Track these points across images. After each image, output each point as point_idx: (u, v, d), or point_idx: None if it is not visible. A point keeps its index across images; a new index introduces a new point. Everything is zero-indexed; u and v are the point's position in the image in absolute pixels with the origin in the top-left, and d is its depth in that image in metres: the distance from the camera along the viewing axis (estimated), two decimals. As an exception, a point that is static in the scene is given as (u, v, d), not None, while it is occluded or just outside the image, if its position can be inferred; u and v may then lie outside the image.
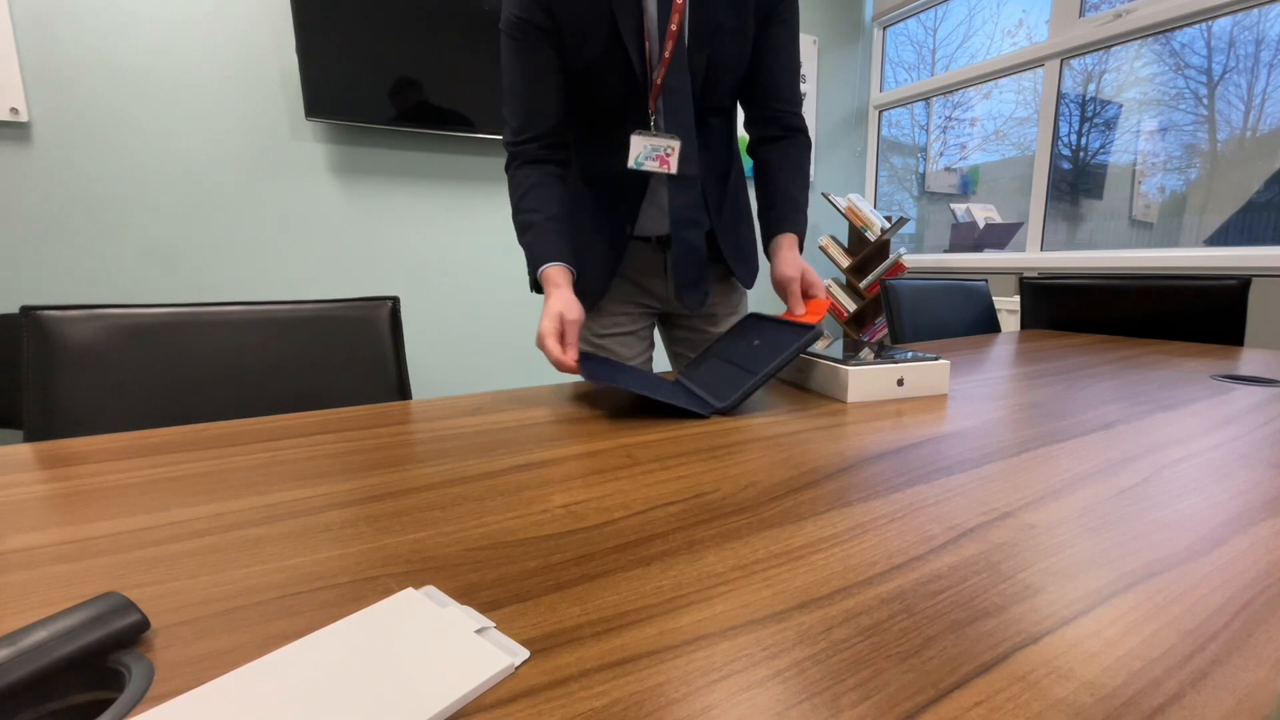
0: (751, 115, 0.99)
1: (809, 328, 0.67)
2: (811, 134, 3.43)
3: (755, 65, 0.93)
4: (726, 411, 0.65)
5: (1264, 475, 0.46)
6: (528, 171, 0.90)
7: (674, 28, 0.83)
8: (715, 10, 0.86)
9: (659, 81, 0.86)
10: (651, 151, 0.89)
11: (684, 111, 0.88)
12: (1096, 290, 1.48)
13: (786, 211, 0.94)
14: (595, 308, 1.00)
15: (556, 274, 0.84)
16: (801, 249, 0.92)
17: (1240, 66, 2.02)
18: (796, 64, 0.96)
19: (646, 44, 0.84)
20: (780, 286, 0.88)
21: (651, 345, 1.09)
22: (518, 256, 2.41)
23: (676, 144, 0.89)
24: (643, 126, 0.89)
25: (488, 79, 2.14)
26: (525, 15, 0.82)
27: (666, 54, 0.84)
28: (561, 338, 0.77)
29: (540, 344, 0.77)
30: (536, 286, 0.92)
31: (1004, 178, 2.83)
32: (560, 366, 0.75)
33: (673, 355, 1.15)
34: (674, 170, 0.90)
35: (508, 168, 0.92)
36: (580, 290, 0.96)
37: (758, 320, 0.84)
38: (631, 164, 0.89)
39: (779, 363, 0.66)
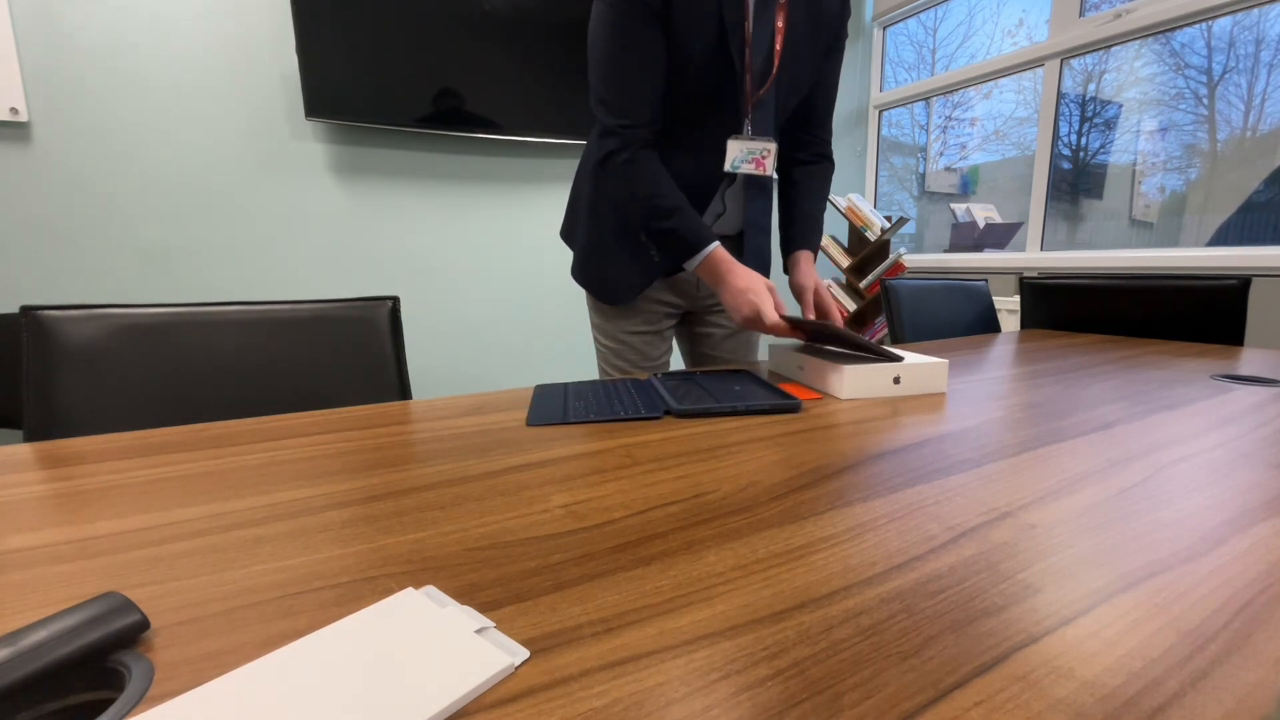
0: (791, 138, 1.04)
1: (791, 401, 0.67)
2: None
3: (806, 92, 0.99)
4: (680, 415, 0.65)
5: (1264, 475, 0.46)
6: (650, 155, 0.88)
7: (779, 47, 0.88)
8: (802, 37, 0.90)
9: (761, 92, 0.89)
10: (748, 154, 0.93)
11: (770, 123, 0.94)
12: (1096, 290, 1.48)
13: (808, 230, 1.03)
14: (629, 306, 1.02)
15: (725, 253, 0.88)
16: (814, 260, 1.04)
17: (1240, 66, 2.02)
18: (835, 97, 1.04)
19: (747, 53, 0.86)
20: (796, 293, 0.97)
21: (671, 344, 1.12)
22: (517, 256, 2.41)
23: (773, 146, 0.93)
24: (734, 132, 0.92)
25: (490, 79, 2.14)
26: None
27: (774, 69, 0.89)
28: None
29: (760, 314, 0.82)
30: (677, 264, 0.92)
31: (1004, 178, 2.83)
32: (778, 331, 0.82)
33: (692, 356, 1.15)
34: (769, 172, 0.95)
35: (616, 154, 0.88)
36: (621, 286, 1.00)
37: (752, 376, 0.84)
38: (728, 167, 0.92)
39: (746, 408, 0.66)
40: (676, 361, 1.20)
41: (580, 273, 1.05)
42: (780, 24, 0.87)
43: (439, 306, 2.30)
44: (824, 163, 1.06)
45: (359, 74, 1.95)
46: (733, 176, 0.95)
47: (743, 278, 0.86)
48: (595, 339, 1.09)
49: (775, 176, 1.00)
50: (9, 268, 1.71)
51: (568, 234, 1.08)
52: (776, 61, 0.88)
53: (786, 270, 1.03)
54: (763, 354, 1.07)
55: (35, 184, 1.71)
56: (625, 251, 0.98)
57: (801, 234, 1.02)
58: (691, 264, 0.89)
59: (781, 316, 0.83)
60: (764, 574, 0.32)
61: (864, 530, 0.37)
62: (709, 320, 1.10)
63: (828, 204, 2.97)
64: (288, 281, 2.06)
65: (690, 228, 0.88)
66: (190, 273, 1.92)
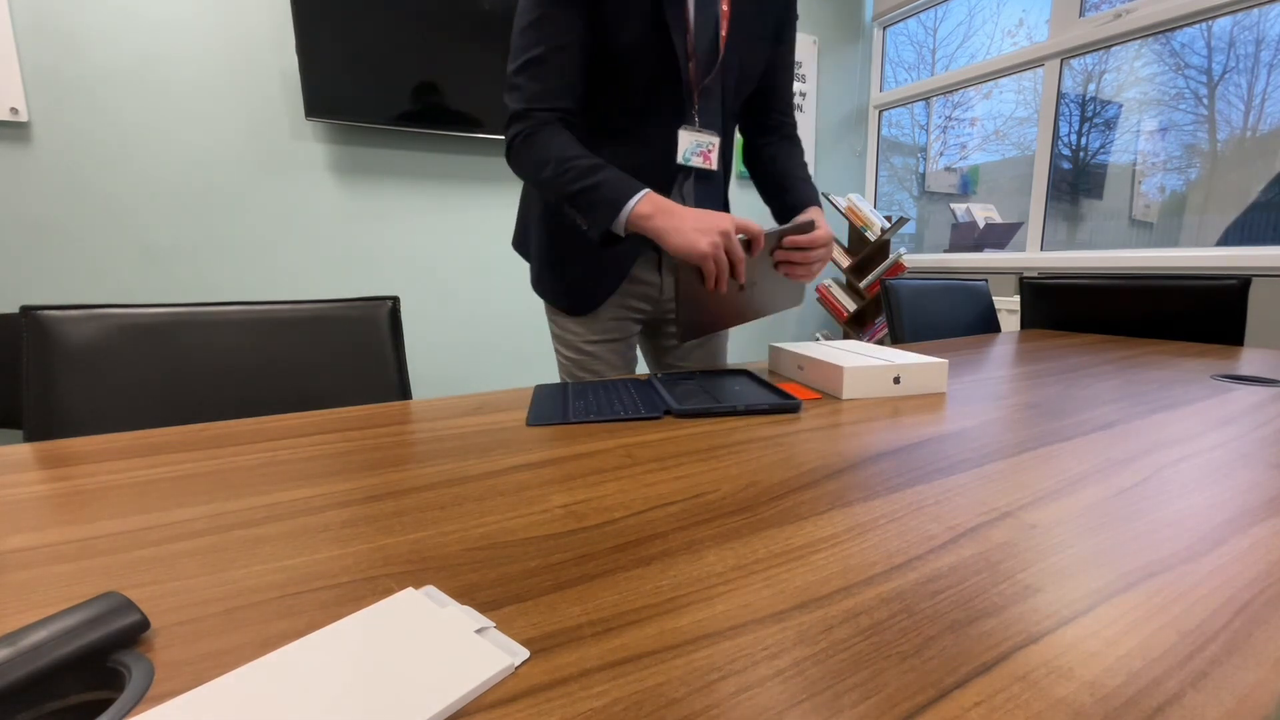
0: (755, 122, 1.03)
1: (791, 401, 0.67)
2: (811, 134, 3.37)
3: (763, 77, 0.97)
4: (680, 415, 0.65)
5: (1264, 475, 0.46)
6: (559, 129, 0.82)
7: (724, 33, 0.86)
8: (749, 21, 0.88)
9: (707, 80, 0.87)
10: (697, 147, 0.90)
11: (716, 112, 0.91)
12: (1096, 290, 1.48)
13: (807, 191, 0.98)
14: (592, 313, 0.98)
15: (658, 196, 0.79)
16: None
17: (1240, 66, 2.02)
18: (792, 79, 1.03)
19: (689, 39, 0.84)
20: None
21: (636, 354, 1.08)
22: (517, 256, 2.40)
23: (716, 140, 0.92)
24: (683, 123, 0.89)
25: (489, 79, 2.14)
26: None
27: (720, 55, 0.87)
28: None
29: (728, 229, 0.73)
30: (608, 224, 0.79)
31: (1004, 178, 2.83)
32: (747, 231, 0.75)
33: (659, 366, 1.13)
34: (714, 166, 0.92)
35: (521, 132, 0.82)
36: (583, 293, 0.96)
37: (752, 376, 0.83)
38: (680, 159, 0.90)
39: (746, 408, 0.66)
40: (641, 371, 1.19)
41: (539, 284, 1.00)
42: (725, 7, 0.84)
43: (439, 306, 2.30)
44: (794, 141, 1.04)
45: (359, 74, 1.95)
46: (687, 171, 0.92)
47: (697, 212, 0.76)
48: (556, 351, 1.04)
49: (719, 170, 0.96)
50: (9, 268, 1.71)
51: (521, 245, 1.04)
52: (723, 48, 0.86)
53: None
54: (762, 355, 1.06)
55: (35, 184, 1.71)
56: (584, 256, 0.93)
57: (802, 194, 0.97)
58: (624, 216, 0.78)
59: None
60: (764, 574, 0.32)
61: (864, 530, 0.37)
62: (673, 330, 1.06)
63: (830, 203, 2.96)
64: (288, 281, 2.05)
65: (616, 180, 0.79)
66: (190, 273, 1.92)
